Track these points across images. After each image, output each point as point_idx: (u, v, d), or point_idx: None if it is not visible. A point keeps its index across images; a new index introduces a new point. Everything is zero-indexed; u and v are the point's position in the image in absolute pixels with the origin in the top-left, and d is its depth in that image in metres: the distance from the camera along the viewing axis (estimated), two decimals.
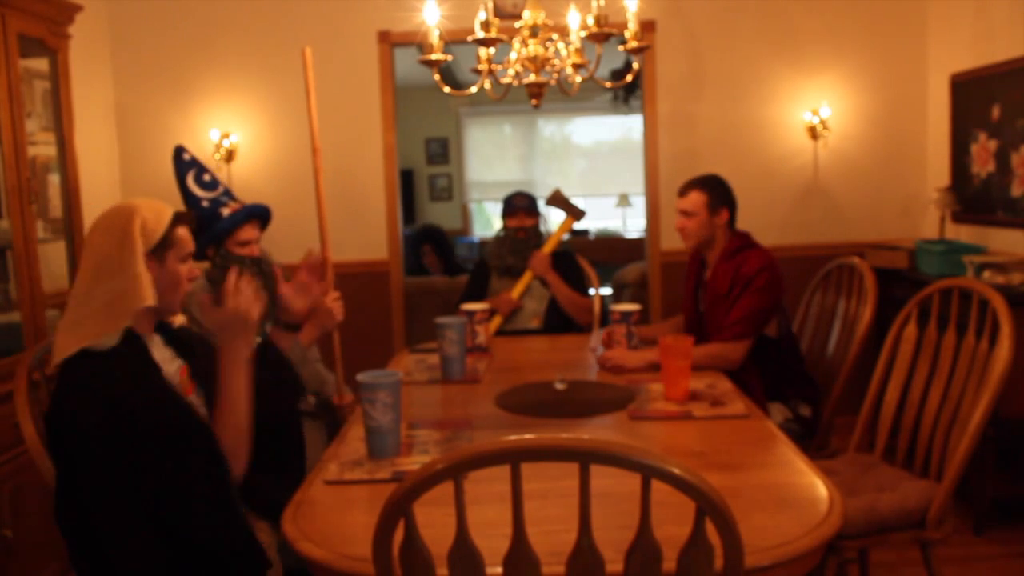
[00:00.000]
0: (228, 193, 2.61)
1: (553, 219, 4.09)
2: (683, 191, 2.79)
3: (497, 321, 3.37)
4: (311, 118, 2.49)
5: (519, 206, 3.51)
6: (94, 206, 3.79)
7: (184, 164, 2.58)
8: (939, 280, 2.28)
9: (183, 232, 1.78)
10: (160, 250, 1.73)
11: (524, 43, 2.52)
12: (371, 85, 4.31)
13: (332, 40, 4.26)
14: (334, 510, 1.58)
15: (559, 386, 2.35)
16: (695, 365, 2.38)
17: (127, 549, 1.57)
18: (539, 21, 2.50)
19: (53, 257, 3.19)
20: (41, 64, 3.16)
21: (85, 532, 1.60)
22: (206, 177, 2.57)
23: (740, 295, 2.62)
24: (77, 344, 1.62)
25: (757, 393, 2.56)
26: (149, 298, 1.66)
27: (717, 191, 2.75)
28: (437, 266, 5.65)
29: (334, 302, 2.49)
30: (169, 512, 1.59)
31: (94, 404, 1.57)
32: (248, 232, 2.53)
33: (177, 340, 1.87)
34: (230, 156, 4.25)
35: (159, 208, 1.75)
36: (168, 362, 1.79)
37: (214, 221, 2.50)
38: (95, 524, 1.58)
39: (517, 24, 2.54)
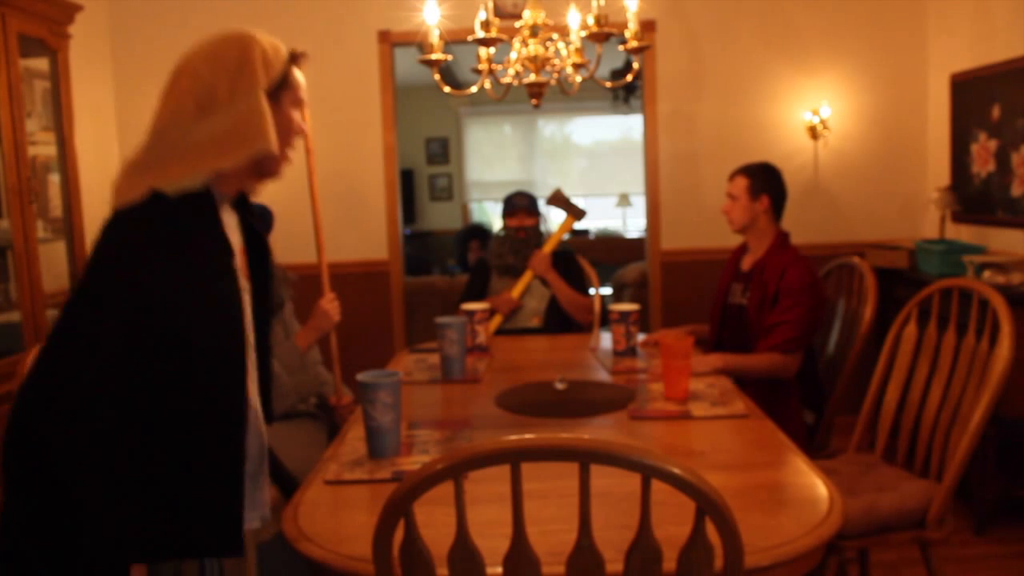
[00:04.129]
0: None
1: (553, 219, 4.09)
2: (732, 175, 2.86)
3: (497, 320, 3.37)
4: (304, 119, 2.50)
5: (519, 206, 3.52)
6: (94, 206, 3.79)
7: None
8: (939, 280, 2.28)
9: (299, 74, 1.54)
10: (278, 90, 1.46)
11: (524, 43, 2.52)
12: (371, 85, 4.31)
13: (332, 40, 4.26)
14: (334, 510, 1.58)
15: (559, 386, 2.35)
16: (754, 372, 2.53)
17: (98, 463, 1.22)
18: (539, 21, 2.50)
19: (53, 257, 3.19)
20: (41, 64, 3.16)
21: (45, 450, 1.22)
22: None
23: (791, 307, 2.59)
24: (149, 184, 1.33)
25: (794, 402, 2.62)
26: (273, 140, 1.41)
27: (759, 177, 2.79)
28: None
29: (330, 303, 2.48)
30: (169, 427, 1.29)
31: (145, 248, 1.30)
32: None
33: (248, 213, 1.62)
34: None
35: (275, 42, 1.49)
36: (234, 231, 1.55)
37: None
38: (71, 425, 1.21)
39: (517, 24, 2.54)
